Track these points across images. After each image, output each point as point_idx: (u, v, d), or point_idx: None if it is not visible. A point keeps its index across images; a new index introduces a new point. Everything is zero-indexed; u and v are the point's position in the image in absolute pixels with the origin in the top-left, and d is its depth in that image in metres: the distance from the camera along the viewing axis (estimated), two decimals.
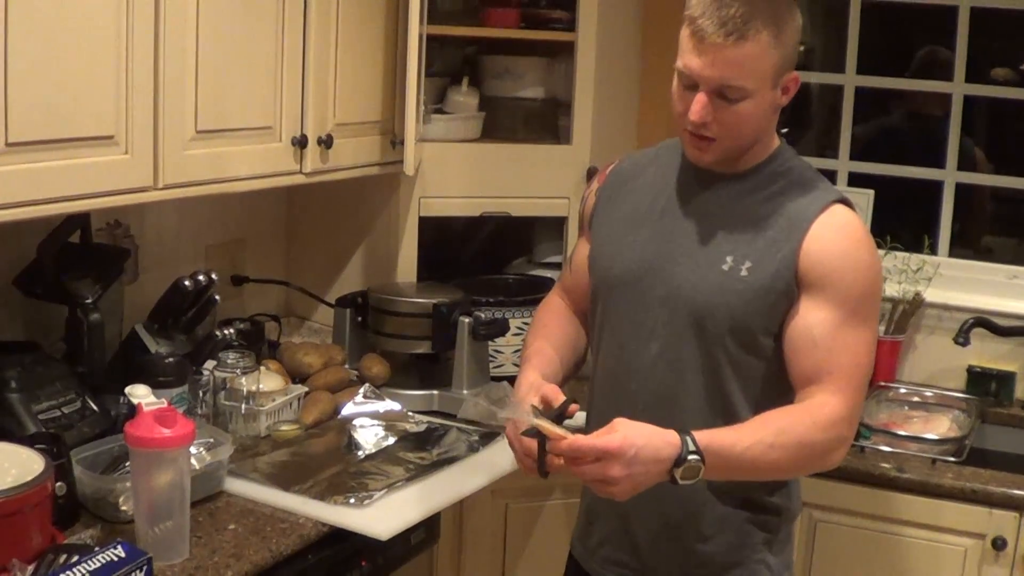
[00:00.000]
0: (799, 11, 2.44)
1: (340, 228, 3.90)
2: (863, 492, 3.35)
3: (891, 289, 4.06)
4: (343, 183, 3.50)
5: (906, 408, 3.87)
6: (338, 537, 2.74)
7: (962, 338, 3.76)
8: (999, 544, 3.20)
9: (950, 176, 4.29)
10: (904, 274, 4.08)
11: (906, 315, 4.07)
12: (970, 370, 3.90)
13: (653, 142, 4.36)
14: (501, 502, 3.39)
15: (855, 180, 4.40)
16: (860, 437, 3.45)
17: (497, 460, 3.19)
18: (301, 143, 3.18)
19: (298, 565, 2.65)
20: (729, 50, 2.33)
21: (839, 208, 2.45)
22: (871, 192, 4.31)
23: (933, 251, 4.26)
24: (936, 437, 3.49)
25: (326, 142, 3.25)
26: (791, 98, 2.49)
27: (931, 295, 4.11)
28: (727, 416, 2.42)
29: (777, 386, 2.44)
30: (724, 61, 2.34)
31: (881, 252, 4.04)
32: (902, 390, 3.96)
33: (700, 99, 2.40)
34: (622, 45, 4.18)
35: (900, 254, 4.15)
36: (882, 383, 3.93)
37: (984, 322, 3.79)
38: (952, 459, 3.34)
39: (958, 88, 4.21)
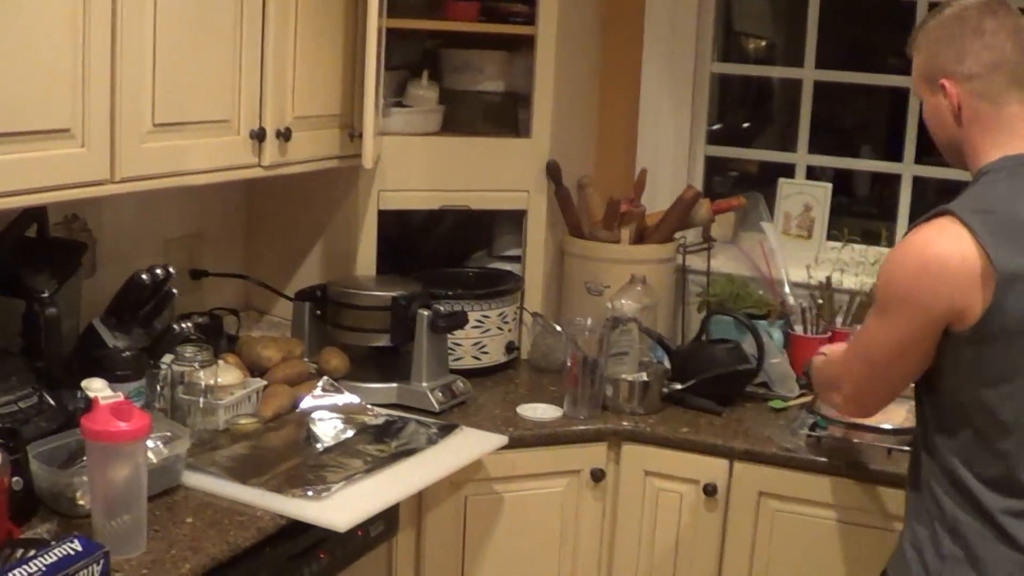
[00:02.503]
0: (942, 25, 2.64)
1: (299, 222, 3.90)
2: (820, 481, 3.36)
3: (848, 281, 4.09)
4: (302, 176, 3.50)
5: None
6: (296, 530, 2.74)
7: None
8: None
9: (908, 169, 4.31)
10: (861, 266, 4.10)
11: (863, 307, 4.08)
12: None
13: (612, 136, 4.43)
14: (460, 494, 3.39)
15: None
16: (816, 427, 3.47)
17: (456, 452, 3.21)
18: (259, 136, 3.17)
19: (256, 558, 2.64)
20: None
21: (927, 223, 2.52)
22: (829, 185, 4.35)
23: (890, 243, 4.28)
24: (892, 427, 3.49)
25: (284, 135, 3.25)
26: (953, 102, 2.60)
27: None
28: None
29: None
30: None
31: (838, 245, 4.09)
32: None
33: None
34: (582, 39, 4.20)
35: (857, 247, 4.17)
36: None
37: None
38: (908, 448, 3.34)
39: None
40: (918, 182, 4.35)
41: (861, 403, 2.78)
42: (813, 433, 3.45)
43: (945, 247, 2.44)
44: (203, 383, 3.11)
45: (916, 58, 2.67)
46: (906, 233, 2.56)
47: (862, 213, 4.79)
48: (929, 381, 2.58)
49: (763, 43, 5.12)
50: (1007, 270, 2.40)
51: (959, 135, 2.61)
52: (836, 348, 3.03)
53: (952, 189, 4.42)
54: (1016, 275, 2.41)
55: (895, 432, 3.36)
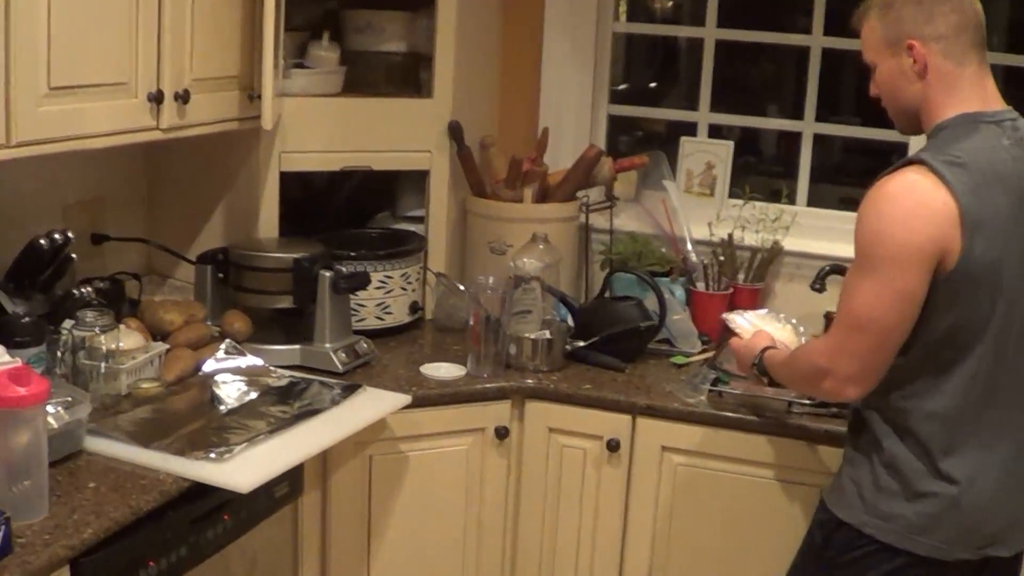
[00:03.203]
0: None
1: (201, 184, 3.88)
2: (721, 435, 3.41)
3: (749, 238, 4.13)
4: (202, 139, 3.46)
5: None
6: (199, 492, 2.74)
7: (818, 284, 3.82)
8: None
9: (808, 127, 4.35)
10: (763, 223, 4.14)
11: (765, 263, 4.13)
12: (827, 316, 3.94)
13: (515, 95, 4.44)
14: (365, 454, 3.40)
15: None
16: (718, 382, 3.52)
17: (360, 412, 3.22)
18: (157, 99, 3.14)
19: (159, 521, 2.64)
20: (860, 34, 2.80)
21: (898, 172, 2.61)
22: (730, 143, 4.39)
23: (792, 201, 4.33)
24: None
25: (183, 97, 3.22)
26: (920, 62, 2.67)
27: (789, 244, 4.18)
28: None
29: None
30: (861, 43, 2.81)
31: (740, 202, 4.13)
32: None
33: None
34: None
35: (759, 204, 4.21)
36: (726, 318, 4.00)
37: (840, 269, 3.83)
38: (807, 402, 3.39)
39: (816, 41, 4.28)
40: (824, 140, 4.40)
41: (866, 379, 2.67)
42: (715, 388, 3.51)
43: (926, 192, 2.54)
44: (104, 348, 3.08)
45: (872, 24, 2.75)
46: (873, 187, 2.63)
47: (768, 172, 4.82)
48: None
49: (670, 3, 5.13)
50: (975, 217, 2.51)
51: (919, 95, 2.70)
52: (786, 340, 3.17)
53: (855, 148, 4.54)
54: (981, 222, 2.52)
55: None
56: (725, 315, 3.50)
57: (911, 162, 2.59)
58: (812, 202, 4.39)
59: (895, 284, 2.56)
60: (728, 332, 3.42)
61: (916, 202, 2.53)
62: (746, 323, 3.38)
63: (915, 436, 2.65)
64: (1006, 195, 2.56)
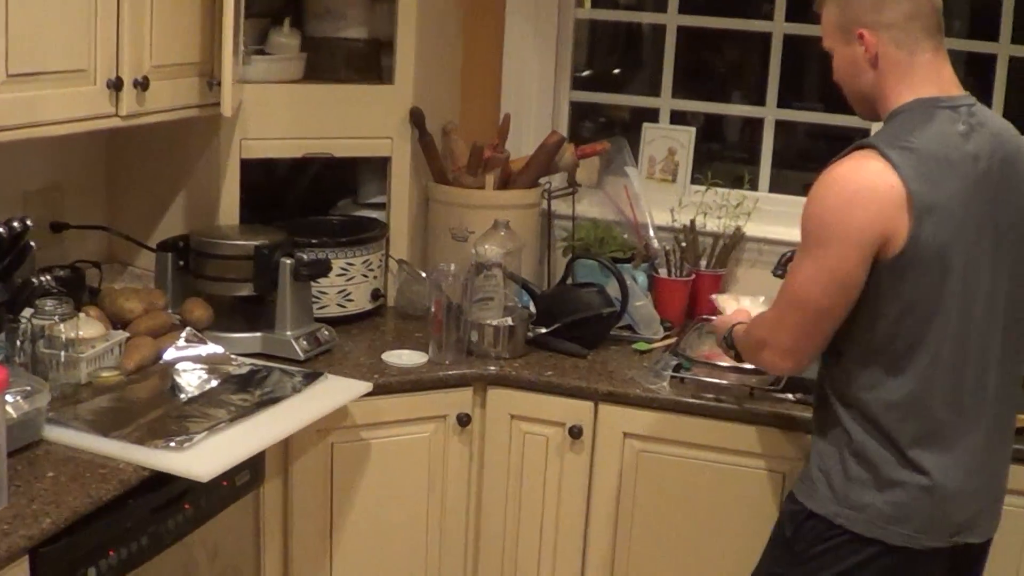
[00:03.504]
0: None
1: (161, 172, 3.86)
2: (684, 421, 3.42)
3: (711, 224, 4.14)
4: (162, 126, 3.44)
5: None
6: (160, 481, 2.73)
7: (780, 270, 3.81)
8: None
9: (770, 113, 4.37)
10: (724, 209, 4.15)
11: (727, 249, 4.14)
12: None
13: (477, 81, 4.43)
14: (327, 441, 3.39)
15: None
16: (680, 368, 3.53)
17: (322, 399, 3.21)
18: (116, 86, 3.12)
19: (119, 511, 2.63)
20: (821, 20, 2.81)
21: (847, 157, 2.64)
22: (692, 129, 4.39)
23: (754, 187, 4.35)
24: (754, 367, 3.55)
25: (142, 84, 3.20)
26: (870, 51, 2.69)
27: (751, 230, 4.20)
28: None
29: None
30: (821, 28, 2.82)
31: (701, 189, 4.13)
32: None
33: None
34: None
35: (721, 190, 4.21)
36: (703, 316, 4.00)
37: None
38: (770, 388, 3.41)
39: (778, 27, 4.29)
40: (787, 126, 4.41)
41: (799, 353, 2.77)
42: (677, 374, 3.51)
43: (872, 177, 2.55)
44: (64, 336, 3.07)
45: (829, 10, 2.76)
46: (827, 169, 2.65)
47: (731, 158, 4.83)
48: None
49: None
50: (924, 202, 2.52)
51: (873, 82, 2.72)
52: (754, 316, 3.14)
53: (818, 134, 4.55)
54: (931, 207, 2.53)
55: (757, 372, 3.41)
56: (715, 296, 3.63)
57: (861, 147, 2.61)
58: (775, 188, 4.41)
59: (831, 266, 2.60)
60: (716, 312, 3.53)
61: (860, 186, 2.55)
62: (734, 303, 3.44)
63: (880, 426, 2.66)
64: (958, 180, 2.57)
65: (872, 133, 3.66)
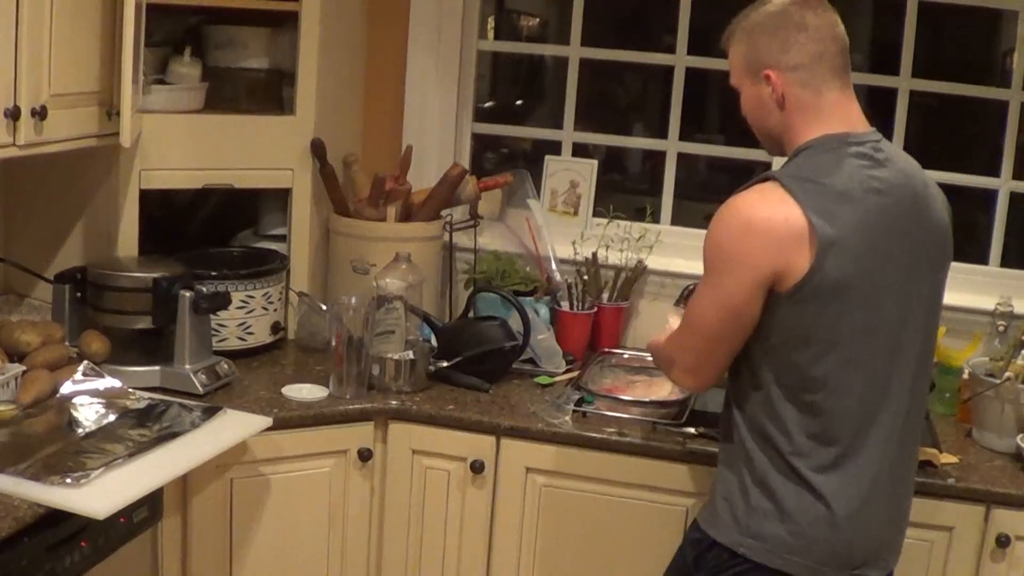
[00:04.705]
0: (769, 17, 2.73)
1: (59, 202, 3.80)
2: (587, 456, 3.41)
3: (613, 257, 4.16)
4: (60, 156, 3.39)
5: (630, 373, 3.95)
6: (56, 518, 2.68)
7: (682, 303, 3.83)
8: None
9: (672, 146, 4.39)
10: (627, 242, 4.16)
11: (629, 282, 4.16)
12: None
13: (379, 113, 4.42)
14: (226, 477, 3.36)
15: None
16: (583, 402, 3.52)
17: (221, 434, 3.17)
18: (14, 115, 3.06)
19: (14, 549, 2.57)
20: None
21: (749, 188, 2.66)
22: (594, 162, 4.41)
23: (656, 219, 4.37)
24: (658, 400, 3.56)
25: (40, 113, 3.15)
26: (777, 92, 2.70)
27: (653, 262, 4.21)
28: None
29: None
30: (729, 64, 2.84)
31: (604, 221, 4.14)
32: (625, 355, 4.04)
33: None
34: (347, 15, 4.19)
35: (623, 223, 4.23)
36: (606, 349, 4.01)
37: None
38: (673, 422, 3.41)
39: (681, 60, 4.32)
40: (689, 158, 4.44)
41: (700, 374, 2.81)
42: (579, 408, 3.51)
43: (770, 209, 2.56)
44: None
45: (736, 49, 2.78)
46: (729, 199, 2.66)
47: (633, 190, 4.86)
48: (748, 340, 2.69)
49: (536, 21, 5.15)
50: (826, 235, 2.53)
51: (780, 121, 2.73)
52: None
53: (721, 166, 4.58)
54: (834, 241, 2.54)
55: (660, 406, 3.43)
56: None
57: (765, 179, 2.63)
58: (677, 219, 4.44)
59: (725, 294, 2.62)
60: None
61: (758, 218, 2.56)
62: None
63: (784, 456, 2.66)
64: (859, 215, 2.58)
65: (774, 164, 3.74)
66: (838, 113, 2.69)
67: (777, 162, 3.74)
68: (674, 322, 3.29)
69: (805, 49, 2.66)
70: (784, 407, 2.66)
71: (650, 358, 3.39)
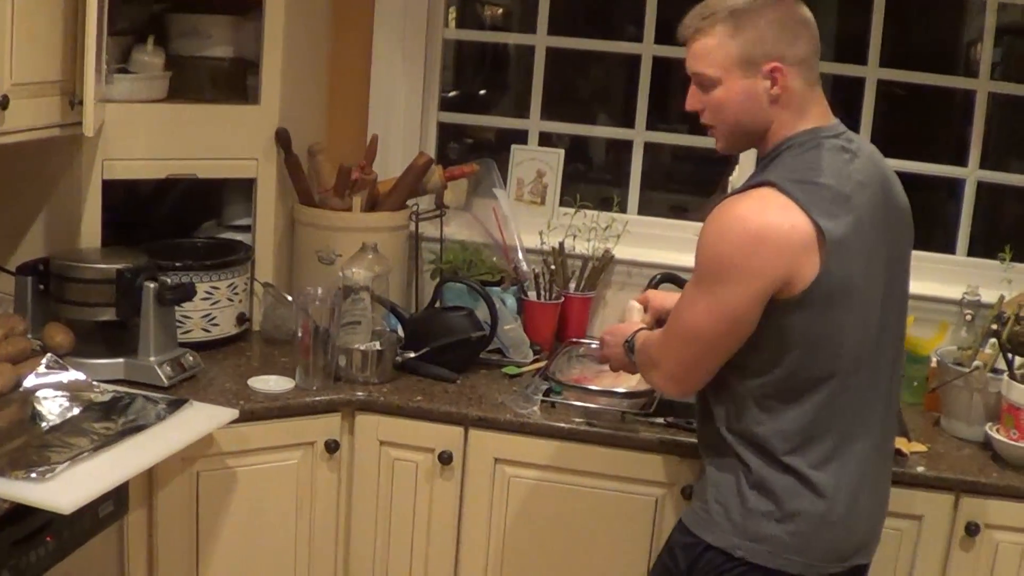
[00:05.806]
0: (772, 8, 2.63)
1: (21, 193, 3.76)
2: (554, 446, 3.40)
3: (580, 247, 4.14)
4: (22, 146, 3.34)
5: (597, 363, 3.93)
6: (20, 514, 2.65)
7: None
8: (688, 492, 3.28)
9: (639, 136, 4.39)
10: (593, 232, 4.15)
11: (596, 272, 4.14)
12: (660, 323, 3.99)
13: (344, 102, 4.40)
14: (192, 470, 3.33)
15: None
16: (551, 392, 3.51)
17: (187, 427, 3.14)
18: None
19: None
20: (694, 44, 2.69)
21: (748, 193, 2.59)
22: (560, 151, 4.40)
23: (623, 209, 4.36)
24: (626, 390, 3.55)
25: (2, 103, 3.11)
26: (780, 86, 2.63)
27: (620, 252, 4.20)
28: None
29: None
30: (691, 54, 2.71)
31: (570, 211, 4.13)
32: (593, 345, 4.01)
33: (690, 90, 2.76)
34: (312, 3, 4.17)
35: (590, 212, 4.22)
36: (573, 339, 4.00)
37: (672, 277, 3.85)
38: (641, 412, 3.40)
39: (647, 49, 4.31)
40: (654, 148, 4.43)
41: (685, 382, 2.77)
42: (547, 399, 3.50)
43: (775, 216, 2.51)
44: None
45: (722, 39, 2.64)
46: (721, 204, 2.60)
47: (598, 180, 4.86)
48: (741, 347, 2.65)
49: (500, 10, 5.13)
50: (833, 237, 2.51)
51: (766, 117, 2.67)
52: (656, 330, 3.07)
53: (684, 155, 4.58)
54: (840, 242, 2.52)
55: (629, 396, 3.41)
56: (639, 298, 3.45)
57: (760, 184, 2.57)
58: (642, 209, 4.43)
59: (727, 304, 2.57)
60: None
61: (763, 226, 2.50)
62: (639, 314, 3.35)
63: (778, 457, 2.65)
64: (854, 211, 2.57)
65: (740, 155, 3.73)
66: (818, 107, 2.69)
67: (748, 156, 3.76)
68: (635, 314, 3.29)
69: (809, 43, 2.64)
70: (776, 408, 2.64)
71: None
